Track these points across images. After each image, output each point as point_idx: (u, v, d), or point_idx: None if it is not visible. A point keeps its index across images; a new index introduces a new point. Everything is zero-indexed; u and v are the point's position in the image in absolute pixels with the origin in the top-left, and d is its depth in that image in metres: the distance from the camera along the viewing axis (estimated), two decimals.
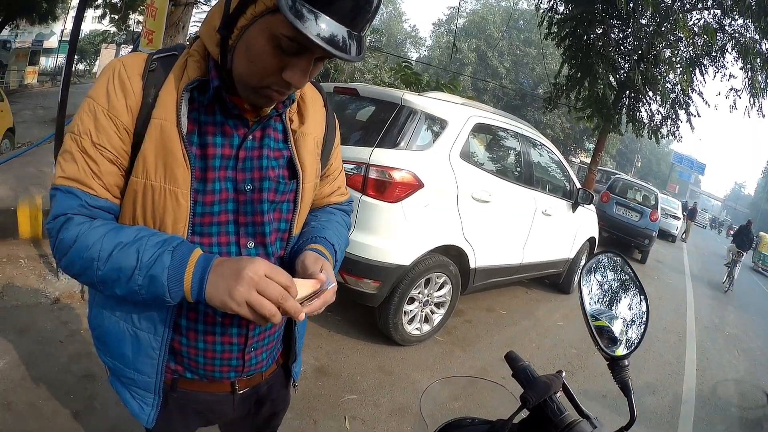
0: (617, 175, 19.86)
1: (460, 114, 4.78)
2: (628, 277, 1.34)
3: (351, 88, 4.95)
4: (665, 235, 21.83)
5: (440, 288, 4.84)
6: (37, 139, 9.84)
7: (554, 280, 7.87)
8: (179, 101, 1.16)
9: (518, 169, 5.82)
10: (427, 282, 4.68)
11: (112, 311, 1.28)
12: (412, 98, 4.49)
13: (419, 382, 4.22)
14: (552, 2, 14.03)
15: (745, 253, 16.40)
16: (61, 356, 3.44)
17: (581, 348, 6.03)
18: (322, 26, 0.98)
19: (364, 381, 4.08)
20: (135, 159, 1.16)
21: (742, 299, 14.70)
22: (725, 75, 13.62)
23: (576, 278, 6.52)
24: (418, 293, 4.64)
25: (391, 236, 4.18)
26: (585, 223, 7.56)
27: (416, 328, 4.81)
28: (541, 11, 14.49)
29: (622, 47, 13.69)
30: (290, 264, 1.37)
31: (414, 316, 4.75)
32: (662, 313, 9.24)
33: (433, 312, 4.92)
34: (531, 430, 1.18)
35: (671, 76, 13.38)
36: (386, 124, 4.34)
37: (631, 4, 11.99)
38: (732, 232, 27.33)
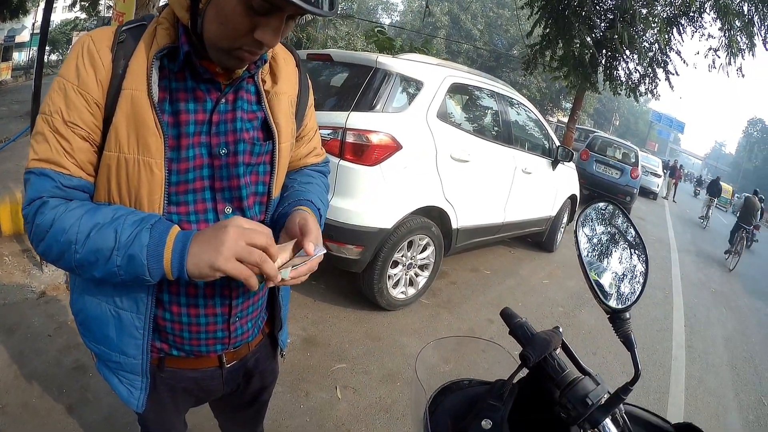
0: (596, 133, 19.90)
1: (435, 74, 4.72)
2: (624, 228, 1.29)
3: (325, 54, 4.89)
4: (646, 193, 22.08)
5: (423, 250, 4.83)
6: (15, 134, 9.70)
7: (537, 238, 7.91)
8: (149, 69, 1.14)
9: (496, 128, 5.78)
10: (410, 245, 4.66)
11: (93, 294, 1.26)
12: (386, 60, 4.43)
13: (407, 346, 4.23)
14: None
15: (716, 199, 23.07)
16: (50, 350, 3.40)
17: (568, 306, 6.08)
18: None
19: (353, 349, 4.08)
20: (107, 133, 1.14)
21: (719, 243, 15.05)
22: (703, 35, 13.62)
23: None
24: (402, 256, 4.62)
25: (371, 200, 4.14)
26: (565, 180, 7.58)
27: (401, 292, 4.80)
28: None
29: (598, 6, 13.63)
30: (272, 228, 1.34)
31: (398, 280, 4.74)
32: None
33: (417, 275, 4.91)
34: (530, 389, 1.16)
35: (648, 34, 13.37)
36: (361, 88, 4.29)
37: None
38: (694, 182, 29.72)
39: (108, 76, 1.14)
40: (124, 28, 1.19)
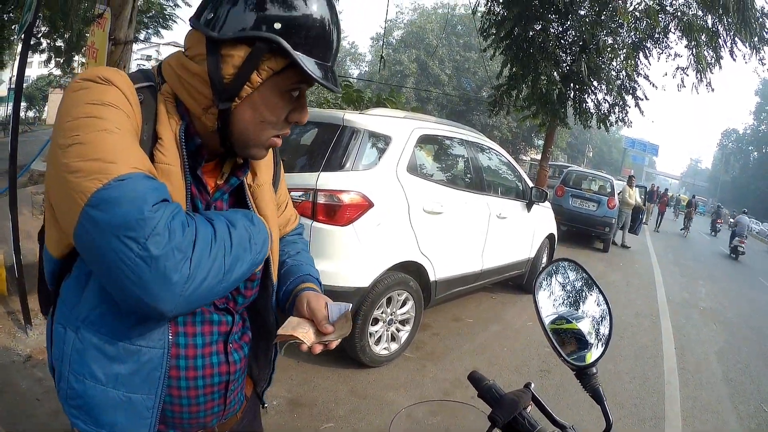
0: (570, 168, 20.07)
1: (403, 128, 4.77)
2: (584, 281, 1.33)
3: None
4: None
5: (403, 305, 4.81)
6: None
7: (518, 281, 7.86)
8: (180, 145, 1.12)
9: (468, 175, 5.84)
10: (389, 301, 4.64)
11: (96, 380, 1.14)
12: (353, 117, 4.48)
13: (394, 401, 4.18)
14: (489, 4, 14.15)
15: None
16: (39, 415, 3.34)
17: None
18: (319, 68, 1.11)
19: (339, 407, 4.02)
20: None
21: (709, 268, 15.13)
22: (670, 55, 13.90)
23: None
24: (381, 313, 4.60)
25: (346, 260, 4.14)
26: (542, 220, 7.63)
27: (384, 348, 4.76)
28: (479, 14, 14.61)
29: (562, 41, 13.87)
30: (283, 296, 1.46)
31: (380, 337, 4.70)
32: (632, 298, 9.38)
33: (398, 330, 4.88)
34: None
35: (615, 63, 13.59)
36: (330, 147, 4.33)
37: None
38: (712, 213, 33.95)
39: (139, 135, 1.05)
40: (137, 86, 1.11)
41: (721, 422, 4.83)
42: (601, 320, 1.26)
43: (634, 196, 15.80)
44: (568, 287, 1.34)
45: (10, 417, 3.26)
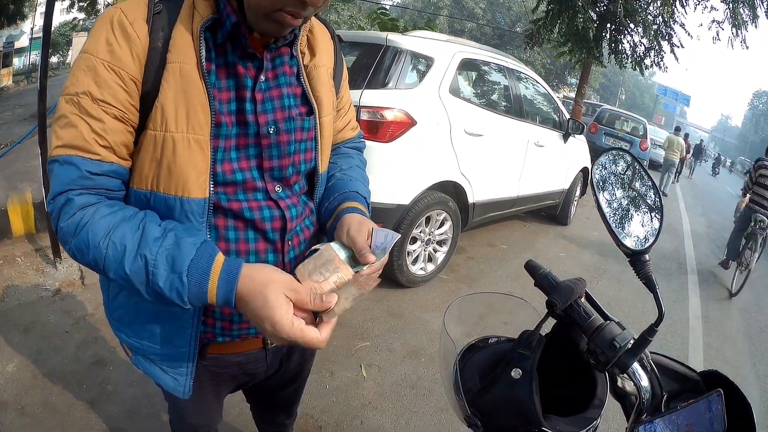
0: (603, 107, 19.76)
1: (445, 50, 4.72)
2: (637, 174, 1.31)
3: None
4: (654, 166, 21.83)
5: (441, 225, 4.85)
6: (20, 136, 9.56)
7: (551, 212, 7.88)
8: (197, 41, 1.08)
9: (507, 102, 5.77)
10: (428, 220, 4.68)
11: (134, 293, 1.13)
12: (396, 38, 4.43)
13: (430, 322, 4.25)
14: None
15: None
16: (68, 347, 3.37)
17: (585, 278, 5.92)
18: None
19: (375, 327, 4.09)
20: (148, 110, 1.07)
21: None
22: (706, 7, 13.56)
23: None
24: (420, 232, 4.64)
25: (388, 176, 4.16)
26: (577, 153, 7.56)
27: (421, 268, 4.83)
28: None
29: None
30: (325, 212, 1.36)
31: (417, 256, 4.76)
32: (660, 242, 9.31)
33: (435, 251, 4.94)
34: (557, 342, 1.18)
35: (652, 7, 13.28)
36: (373, 66, 4.29)
37: None
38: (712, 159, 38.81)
39: (145, 50, 1.05)
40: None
41: (740, 378, 4.69)
42: (653, 211, 1.24)
43: (683, 147, 15.11)
44: (624, 180, 1.31)
45: (40, 354, 3.27)
